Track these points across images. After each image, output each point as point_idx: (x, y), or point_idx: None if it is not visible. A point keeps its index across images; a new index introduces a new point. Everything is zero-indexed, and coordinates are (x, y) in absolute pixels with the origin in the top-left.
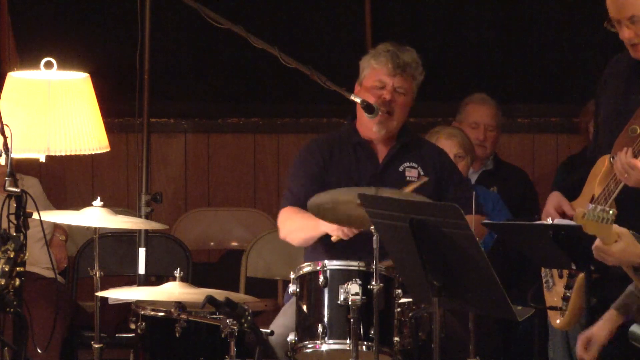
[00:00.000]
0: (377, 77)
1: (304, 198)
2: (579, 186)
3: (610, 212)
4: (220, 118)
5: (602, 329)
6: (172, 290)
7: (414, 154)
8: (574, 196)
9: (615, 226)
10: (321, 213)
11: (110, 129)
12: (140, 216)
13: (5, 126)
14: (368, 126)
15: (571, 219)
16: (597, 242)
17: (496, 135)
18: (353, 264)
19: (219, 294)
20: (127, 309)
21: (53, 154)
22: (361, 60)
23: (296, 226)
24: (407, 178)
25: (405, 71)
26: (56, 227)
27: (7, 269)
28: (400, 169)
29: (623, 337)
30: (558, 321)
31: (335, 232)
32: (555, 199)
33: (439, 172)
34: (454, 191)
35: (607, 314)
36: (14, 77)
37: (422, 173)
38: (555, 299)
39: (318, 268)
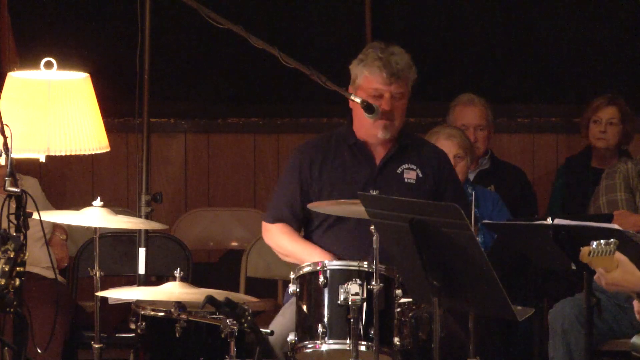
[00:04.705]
0: (372, 86)
1: (298, 210)
2: None
3: (612, 242)
4: (220, 118)
5: None
6: (172, 290)
7: (413, 155)
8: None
9: (617, 253)
10: None
11: (110, 129)
12: (140, 216)
13: (5, 126)
14: (371, 131)
15: None
16: (600, 270)
17: (487, 133)
18: (353, 264)
19: (219, 294)
20: (127, 309)
21: (53, 154)
22: (351, 65)
23: (289, 251)
24: (406, 180)
25: (400, 77)
26: (56, 226)
27: (7, 269)
28: (399, 170)
29: None
30: None
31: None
32: None
33: (438, 174)
34: (451, 197)
35: None
36: (14, 77)
37: (420, 175)
38: None
39: (318, 268)
